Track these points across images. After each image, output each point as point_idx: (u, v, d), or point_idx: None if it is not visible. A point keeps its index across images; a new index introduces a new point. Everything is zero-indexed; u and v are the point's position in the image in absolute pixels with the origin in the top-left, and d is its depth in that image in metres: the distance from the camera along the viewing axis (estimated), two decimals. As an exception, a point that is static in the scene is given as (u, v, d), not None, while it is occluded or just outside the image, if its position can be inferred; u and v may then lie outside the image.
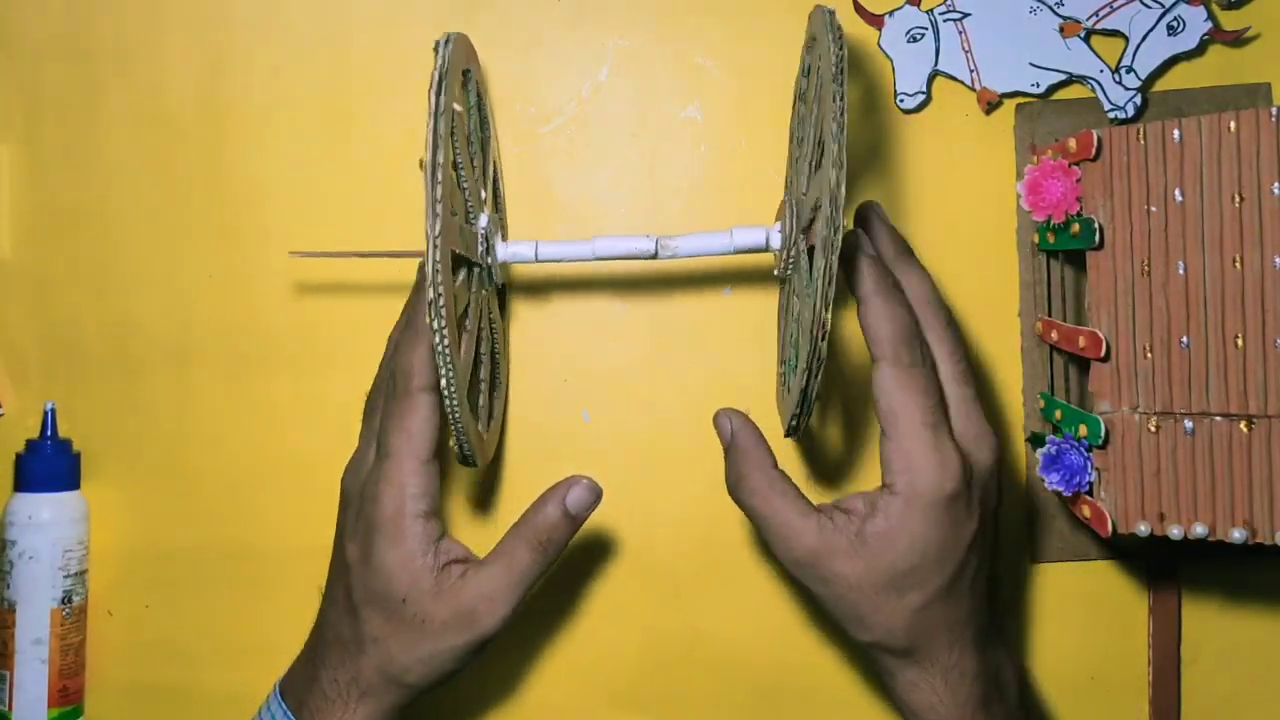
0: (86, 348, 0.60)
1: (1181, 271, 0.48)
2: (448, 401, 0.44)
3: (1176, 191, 0.48)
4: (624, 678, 0.60)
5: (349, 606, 0.49)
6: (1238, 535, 0.47)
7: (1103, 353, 0.50)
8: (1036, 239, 0.56)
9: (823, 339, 0.42)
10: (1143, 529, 0.49)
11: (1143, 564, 0.59)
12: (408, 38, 0.59)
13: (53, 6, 0.60)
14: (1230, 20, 0.57)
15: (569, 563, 0.59)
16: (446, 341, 0.43)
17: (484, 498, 0.60)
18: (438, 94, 0.43)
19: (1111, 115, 0.57)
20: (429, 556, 0.48)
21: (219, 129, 0.60)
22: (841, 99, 0.42)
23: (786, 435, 0.48)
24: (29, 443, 0.58)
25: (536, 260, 0.51)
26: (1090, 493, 0.51)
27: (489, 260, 0.50)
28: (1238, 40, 0.57)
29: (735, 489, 0.49)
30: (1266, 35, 0.57)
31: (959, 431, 0.48)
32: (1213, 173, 0.47)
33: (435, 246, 0.42)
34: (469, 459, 0.48)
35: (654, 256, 0.50)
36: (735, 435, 0.50)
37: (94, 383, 0.60)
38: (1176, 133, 0.48)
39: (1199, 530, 0.48)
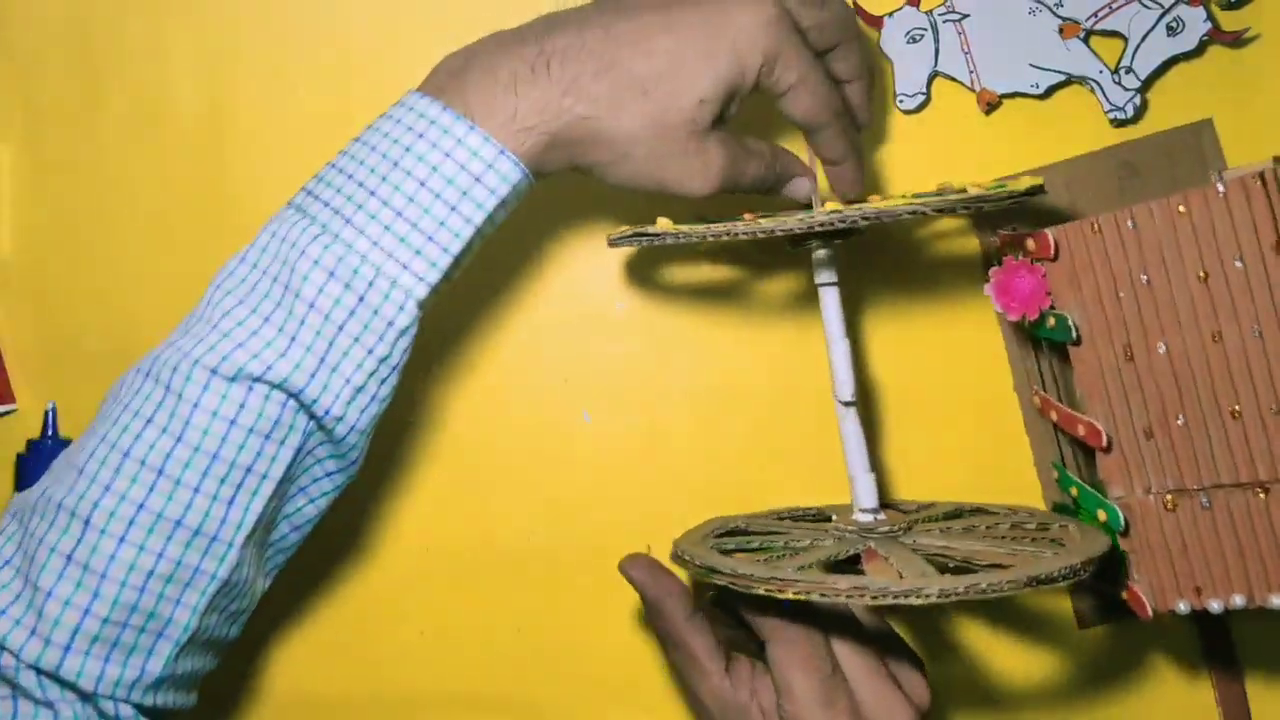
0: (86, 348, 0.60)
1: (1163, 351, 0.48)
2: None
3: (1143, 275, 0.48)
4: (624, 678, 0.60)
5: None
6: (1276, 601, 0.47)
7: (1104, 443, 0.49)
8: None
9: None
10: (1182, 607, 0.48)
11: (1195, 632, 0.57)
12: (408, 38, 0.59)
13: (53, 7, 0.60)
14: (1230, 20, 0.57)
15: (569, 561, 0.59)
16: None
17: (478, 497, 0.60)
18: None
19: (1111, 116, 0.57)
20: None
21: (219, 129, 0.60)
22: None
23: None
24: (30, 443, 0.58)
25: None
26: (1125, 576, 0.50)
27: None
28: (1237, 40, 0.57)
29: (657, 633, 0.51)
30: (1266, 35, 0.57)
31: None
32: (1174, 253, 0.47)
33: None
34: None
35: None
36: (645, 592, 0.51)
37: (94, 383, 0.59)
38: (1130, 222, 0.48)
39: (1238, 600, 0.47)
